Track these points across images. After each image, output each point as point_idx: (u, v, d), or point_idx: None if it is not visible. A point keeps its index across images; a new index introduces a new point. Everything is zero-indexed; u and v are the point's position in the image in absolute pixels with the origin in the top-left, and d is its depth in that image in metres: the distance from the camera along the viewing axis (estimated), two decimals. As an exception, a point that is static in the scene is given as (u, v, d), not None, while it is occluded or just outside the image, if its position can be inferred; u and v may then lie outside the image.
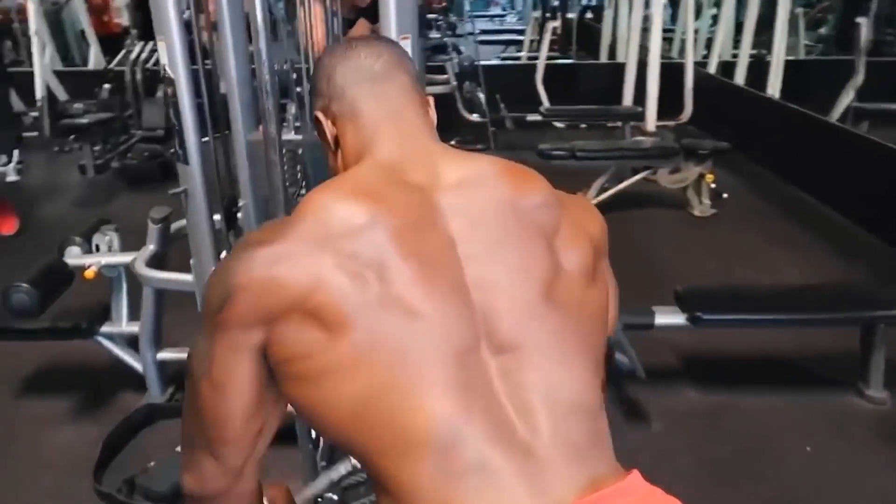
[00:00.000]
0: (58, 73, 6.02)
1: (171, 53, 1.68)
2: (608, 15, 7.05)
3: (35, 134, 5.54)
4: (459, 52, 6.15)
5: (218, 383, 0.73)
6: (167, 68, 1.70)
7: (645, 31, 4.86)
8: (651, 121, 4.55)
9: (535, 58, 6.10)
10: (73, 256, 2.42)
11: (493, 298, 0.72)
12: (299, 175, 1.87)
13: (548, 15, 6.77)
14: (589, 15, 8.79)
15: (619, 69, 5.28)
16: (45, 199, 4.63)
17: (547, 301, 0.74)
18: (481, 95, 5.11)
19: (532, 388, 0.70)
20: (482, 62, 5.56)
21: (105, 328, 2.37)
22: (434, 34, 6.95)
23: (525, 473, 0.67)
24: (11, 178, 5.03)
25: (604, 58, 7.04)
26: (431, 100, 0.92)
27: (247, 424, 0.75)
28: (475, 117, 5.24)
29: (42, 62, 5.61)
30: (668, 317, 2.35)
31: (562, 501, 0.66)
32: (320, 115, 0.88)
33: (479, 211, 0.77)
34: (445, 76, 5.22)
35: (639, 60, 4.79)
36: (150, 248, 2.24)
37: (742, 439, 2.22)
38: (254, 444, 0.77)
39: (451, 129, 5.47)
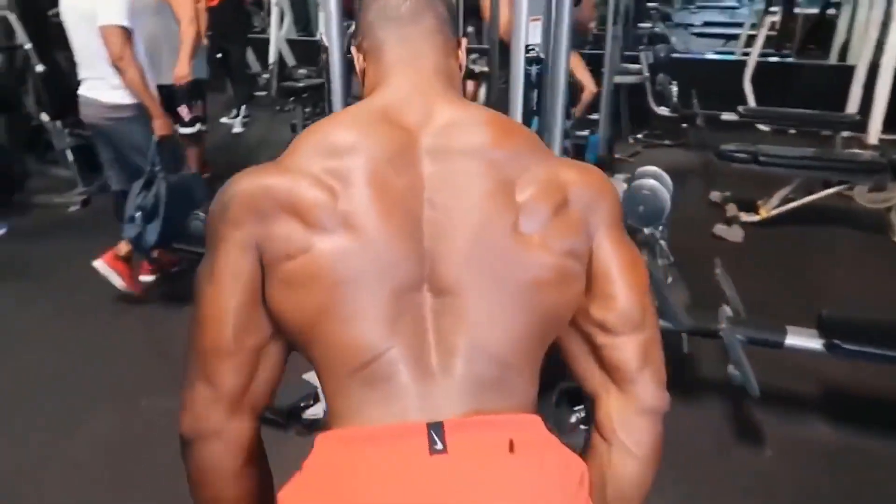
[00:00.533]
0: (290, 41, 6.82)
1: (328, 22, 1.90)
2: (846, 10, 6.31)
3: (264, 93, 6.37)
4: (666, 42, 5.92)
5: (216, 281, 0.79)
6: (323, 36, 1.93)
7: (884, 25, 4.25)
8: (874, 132, 4.00)
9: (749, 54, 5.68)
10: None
11: (443, 244, 0.77)
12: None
13: (771, 9, 6.20)
14: (831, 11, 7.90)
15: (846, 73, 4.74)
16: (259, 151, 5.31)
17: (493, 254, 0.77)
18: (674, 89, 4.90)
19: (459, 332, 0.76)
20: (690, 55, 5.29)
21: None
22: (645, 24, 6.76)
23: (423, 396, 0.74)
24: (237, 129, 5.86)
25: (833, 59, 6.33)
26: (464, 41, 0.94)
27: (240, 335, 0.78)
28: (664, 111, 5.04)
29: (278, 31, 6.40)
30: (803, 339, 2.17)
31: (442, 416, 0.73)
32: (354, 50, 0.93)
33: (453, 157, 0.80)
34: (639, 66, 5.07)
35: (872, 63, 4.24)
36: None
37: (858, 484, 2.00)
38: (249, 369, 0.80)
39: (640, 120, 5.32)
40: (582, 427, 2.05)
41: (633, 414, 0.84)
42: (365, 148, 0.79)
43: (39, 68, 4.08)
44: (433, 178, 0.79)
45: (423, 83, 0.87)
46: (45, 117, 4.14)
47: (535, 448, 0.76)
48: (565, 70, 1.73)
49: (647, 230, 2.12)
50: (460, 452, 0.71)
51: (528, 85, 1.77)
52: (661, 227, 2.14)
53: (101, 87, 2.82)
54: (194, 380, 0.80)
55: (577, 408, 2.07)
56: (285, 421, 2.33)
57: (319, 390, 2.45)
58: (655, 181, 2.07)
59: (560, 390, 2.14)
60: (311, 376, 2.54)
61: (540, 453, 0.76)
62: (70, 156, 4.17)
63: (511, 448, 0.72)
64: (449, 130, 0.82)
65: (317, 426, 2.34)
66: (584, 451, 0.87)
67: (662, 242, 2.21)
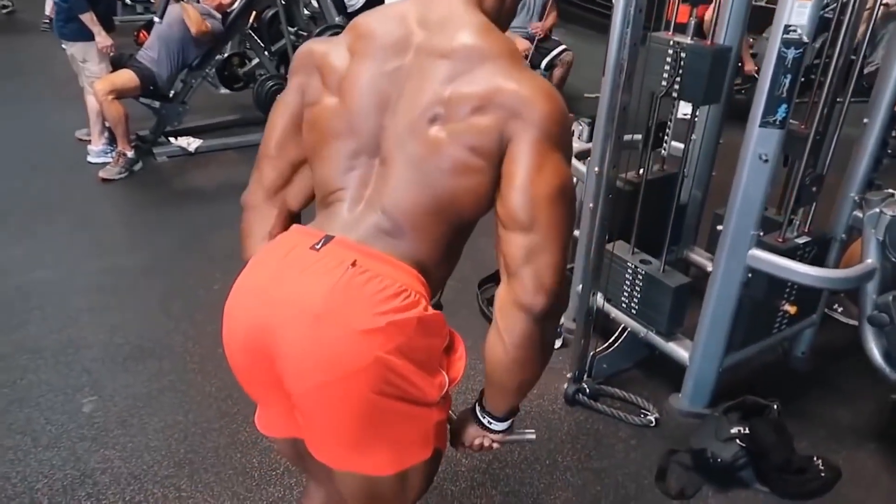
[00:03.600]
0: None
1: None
2: None
3: None
4: None
5: (276, 108, 1.13)
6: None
7: None
8: None
9: None
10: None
11: (392, 122, 1.00)
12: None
13: None
14: None
15: None
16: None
17: (415, 139, 0.98)
18: None
19: (382, 193, 1.01)
20: None
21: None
22: None
23: (346, 224, 1.03)
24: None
25: None
26: None
27: (281, 146, 1.11)
28: None
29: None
30: None
31: (342, 236, 1.01)
32: None
33: (429, 54, 0.98)
34: None
35: None
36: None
37: None
38: (284, 174, 1.13)
39: None
40: (738, 443, 1.95)
41: (509, 303, 0.98)
42: (377, 36, 1.03)
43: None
44: (410, 67, 1.00)
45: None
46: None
47: (368, 272, 0.96)
48: None
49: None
50: (322, 253, 0.98)
51: (781, 68, 1.68)
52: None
53: None
54: (253, 170, 1.16)
55: (738, 428, 1.96)
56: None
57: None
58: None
59: (728, 406, 2.04)
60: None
61: (368, 276, 0.95)
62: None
63: (353, 264, 0.96)
64: (439, 30, 0.99)
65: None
66: None
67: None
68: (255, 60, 4.88)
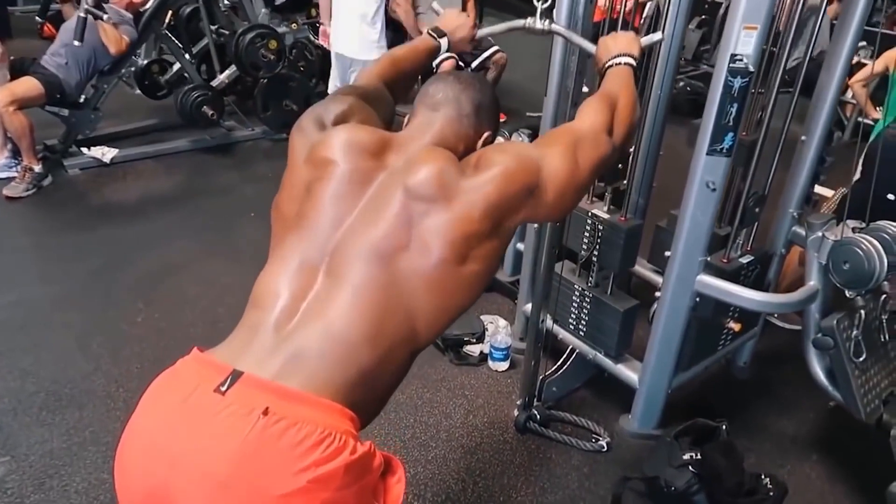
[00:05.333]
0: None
1: None
2: None
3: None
4: None
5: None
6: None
7: None
8: None
9: None
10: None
11: (347, 245, 0.99)
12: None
13: None
14: None
15: None
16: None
17: (378, 261, 0.97)
18: None
19: (326, 310, 0.95)
20: None
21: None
22: None
23: (266, 348, 0.93)
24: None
25: None
26: (487, 135, 1.20)
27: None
28: None
29: None
30: None
31: (258, 369, 0.90)
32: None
33: (387, 186, 1.03)
34: None
35: None
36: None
37: None
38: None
39: None
40: (690, 469, 1.94)
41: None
42: (352, 161, 1.06)
43: None
44: (373, 192, 1.04)
45: (419, 139, 1.13)
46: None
47: (284, 420, 0.84)
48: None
49: (848, 293, 1.81)
50: (229, 398, 0.86)
51: (727, 97, 1.65)
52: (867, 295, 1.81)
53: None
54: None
55: (690, 454, 1.95)
56: (444, 347, 2.61)
57: (487, 334, 2.67)
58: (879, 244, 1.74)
59: (678, 430, 2.03)
60: (486, 318, 2.77)
61: (283, 425, 0.83)
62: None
63: (265, 412, 0.84)
64: (407, 166, 1.05)
65: (468, 362, 2.57)
66: None
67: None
68: (177, 65, 4.57)
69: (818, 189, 2.35)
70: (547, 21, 1.58)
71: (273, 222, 1.10)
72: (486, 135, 1.19)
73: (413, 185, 1.00)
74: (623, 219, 2.15)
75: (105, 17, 3.64)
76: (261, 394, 0.86)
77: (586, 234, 2.20)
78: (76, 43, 3.58)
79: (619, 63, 1.37)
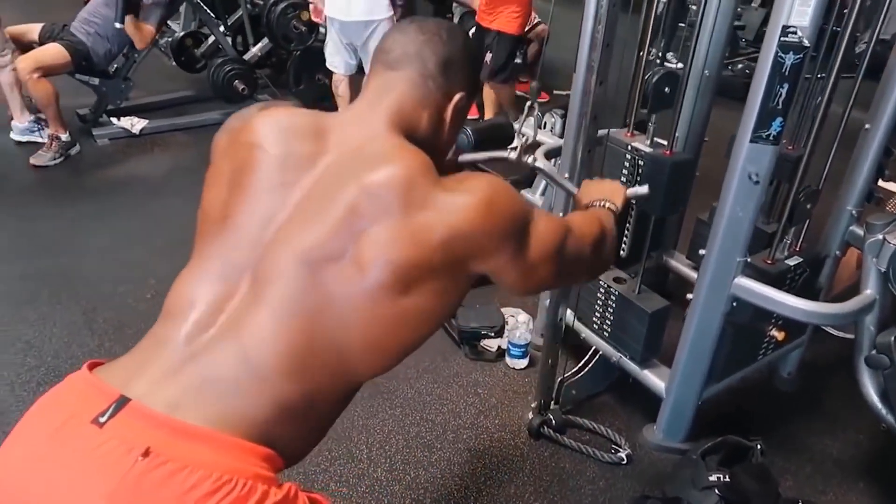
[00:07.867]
0: None
1: None
2: None
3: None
4: None
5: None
6: None
7: None
8: None
9: None
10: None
11: (276, 249, 0.83)
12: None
13: None
14: None
15: None
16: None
17: (307, 274, 0.81)
18: None
19: (244, 330, 0.80)
20: None
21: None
22: None
23: (165, 366, 0.79)
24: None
25: None
26: (458, 97, 0.98)
27: None
28: None
29: None
30: None
31: (150, 396, 0.75)
32: None
33: (333, 178, 0.85)
34: None
35: None
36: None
37: None
38: None
39: None
40: (717, 493, 1.74)
41: None
42: (283, 145, 0.89)
43: None
44: (309, 189, 0.86)
45: (368, 116, 0.93)
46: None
47: (169, 463, 0.70)
48: None
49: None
50: (107, 431, 0.71)
51: (777, 76, 1.43)
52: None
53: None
54: None
55: (717, 475, 1.75)
56: (461, 341, 2.45)
57: (507, 328, 2.50)
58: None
59: (706, 448, 1.83)
60: (508, 311, 2.60)
61: (168, 470, 0.69)
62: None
63: (146, 453, 0.69)
64: (352, 156, 0.87)
65: (484, 357, 2.41)
66: None
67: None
68: (212, 38, 4.47)
69: (882, 184, 2.08)
70: (530, 157, 1.47)
71: (198, 222, 0.93)
72: (457, 97, 0.97)
73: (370, 182, 0.82)
74: (668, 153, 1.92)
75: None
76: (146, 429, 0.72)
77: (624, 172, 2.00)
78: (117, 25, 3.52)
79: (603, 206, 1.31)
